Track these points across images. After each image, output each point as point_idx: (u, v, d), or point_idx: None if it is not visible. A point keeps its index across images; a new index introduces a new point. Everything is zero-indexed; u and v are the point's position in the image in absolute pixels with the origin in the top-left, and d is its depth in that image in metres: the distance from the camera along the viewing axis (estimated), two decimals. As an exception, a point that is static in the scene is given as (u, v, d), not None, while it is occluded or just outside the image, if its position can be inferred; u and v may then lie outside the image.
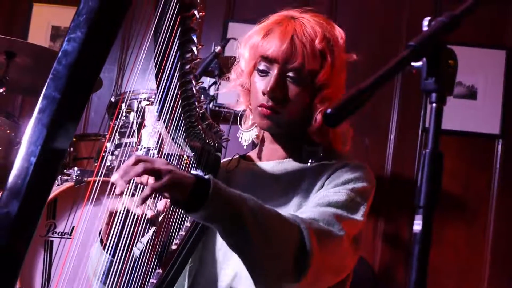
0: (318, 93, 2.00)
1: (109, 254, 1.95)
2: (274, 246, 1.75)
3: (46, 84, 1.08)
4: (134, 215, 1.85)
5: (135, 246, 1.99)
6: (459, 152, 4.85)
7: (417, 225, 1.22)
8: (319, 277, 1.85)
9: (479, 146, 4.92)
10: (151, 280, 1.94)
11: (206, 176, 1.72)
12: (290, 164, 2.10)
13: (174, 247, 2.00)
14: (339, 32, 2.07)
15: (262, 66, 2.01)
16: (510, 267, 4.79)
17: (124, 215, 1.87)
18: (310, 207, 1.92)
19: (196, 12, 1.80)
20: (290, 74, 1.98)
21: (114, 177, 1.66)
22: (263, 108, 2.00)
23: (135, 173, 1.64)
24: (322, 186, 2.00)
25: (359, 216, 1.94)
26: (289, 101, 1.99)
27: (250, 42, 2.05)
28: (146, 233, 2.02)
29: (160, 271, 1.96)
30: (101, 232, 1.98)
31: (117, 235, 1.91)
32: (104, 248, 1.96)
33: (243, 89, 2.11)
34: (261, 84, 2.01)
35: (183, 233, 2.04)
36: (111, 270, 1.92)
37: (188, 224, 2.05)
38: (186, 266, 2.01)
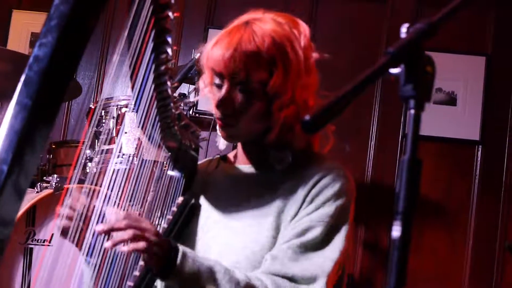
0: (274, 101, 1.97)
1: (87, 256, 1.97)
2: None
3: (18, 90, 1.07)
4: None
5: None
6: (439, 158, 4.86)
7: (396, 231, 1.22)
8: None
9: (459, 152, 4.94)
10: (134, 273, 1.94)
11: (180, 250, 1.83)
12: (265, 168, 2.09)
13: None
14: (303, 30, 2.04)
15: (216, 80, 2.01)
16: (490, 274, 4.80)
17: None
18: (292, 247, 1.92)
19: (170, 13, 1.79)
20: (239, 86, 1.96)
21: (99, 227, 1.77)
22: (218, 120, 2.02)
23: (121, 238, 1.75)
24: (304, 199, 1.98)
25: (341, 245, 1.96)
26: (241, 112, 1.98)
27: (204, 53, 2.04)
28: None
29: (142, 263, 1.96)
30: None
31: (92, 238, 1.93)
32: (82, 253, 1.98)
33: (212, 97, 2.10)
34: (216, 96, 2.01)
35: (165, 225, 2.04)
36: (94, 274, 1.94)
37: (171, 217, 2.06)
38: None
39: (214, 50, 1.98)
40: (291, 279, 1.88)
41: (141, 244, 1.74)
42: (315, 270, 1.90)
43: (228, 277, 1.84)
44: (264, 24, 1.98)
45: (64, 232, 1.99)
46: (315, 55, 2.06)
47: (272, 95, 1.96)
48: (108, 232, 1.78)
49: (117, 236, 1.76)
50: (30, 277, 3.32)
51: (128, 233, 1.75)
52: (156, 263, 1.80)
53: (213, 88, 2.04)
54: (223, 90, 1.97)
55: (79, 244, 1.98)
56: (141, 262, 1.95)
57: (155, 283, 2.01)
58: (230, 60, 1.93)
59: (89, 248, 1.95)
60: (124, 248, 1.75)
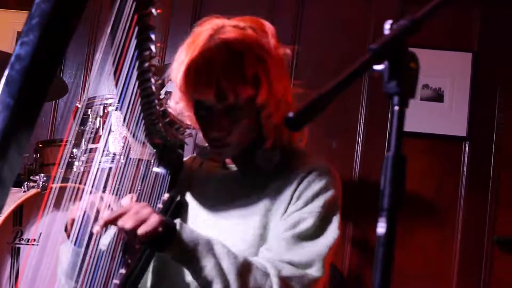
0: (262, 112, 1.96)
1: (75, 245, 1.96)
2: None
3: (0, 89, 1.07)
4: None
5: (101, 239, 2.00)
6: (426, 154, 4.86)
7: (381, 228, 1.22)
8: None
9: (447, 149, 4.94)
10: (120, 270, 1.94)
11: (177, 223, 1.85)
12: (252, 169, 2.09)
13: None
14: (268, 29, 2.00)
15: (197, 103, 1.98)
16: (478, 269, 4.82)
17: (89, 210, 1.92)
18: (286, 238, 1.94)
19: (153, 9, 1.78)
20: (227, 109, 1.93)
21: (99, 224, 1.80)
22: (212, 144, 2.02)
23: (122, 225, 1.79)
24: (292, 196, 1.99)
25: (335, 234, 1.98)
26: (233, 130, 1.96)
27: (177, 82, 1.97)
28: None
29: (129, 260, 1.96)
30: (67, 226, 1.99)
31: (82, 226, 1.93)
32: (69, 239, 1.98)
33: (185, 110, 2.06)
34: (203, 120, 1.99)
35: None
36: (78, 262, 1.94)
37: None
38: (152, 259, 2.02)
39: (190, 76, 1.93)
40: (289, 263, 1.90)
41: (145, 229, 1.77)
42: (311, 256, 1.92)
43: (226, 250, 1.86)
44: (229, 35, 1.93)
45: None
46: (285, 52, 2.03)
47: (259, 107, 1.95)
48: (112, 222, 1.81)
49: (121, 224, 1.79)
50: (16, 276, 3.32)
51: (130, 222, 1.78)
52: (155, 235, 1.80)
53: (193, 107, 2.00)
54: (209, 116, 1.96)
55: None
56: (122, 270, 1.95)
57: (144, 280, 2.02)
58: (215, 87, 1.89)
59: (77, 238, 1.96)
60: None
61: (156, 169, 2.14)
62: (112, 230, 2.03)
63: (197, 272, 1.85)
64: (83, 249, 1.95)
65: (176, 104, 2.05)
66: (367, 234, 4.90)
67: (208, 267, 1.83)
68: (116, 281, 1.93)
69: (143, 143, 2.06)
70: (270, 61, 1.95)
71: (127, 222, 1.77)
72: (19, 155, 1.08)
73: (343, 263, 4.83)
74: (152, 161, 2.16)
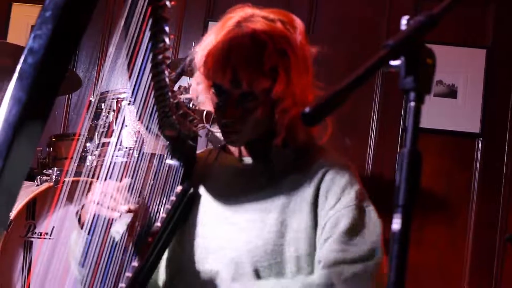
0: (277, 105, 1.96)
1: (87, 233, 1.96)
2: None
3: (12, 83, 1.06)
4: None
5: (113, 228, 2.00)
6: (439, 150, 4.85)
7: (396, 224, 1.21)
8: None
9: (460, 145, 4.93)
10: (133, 263, 1.94)
11: None
12: (266, 162, 2.08)
13: (156, 228, 2.00)
14: (298, 25, 2.01)
15: (215, 88, 1.99)
16: (490, 266, 4.80)
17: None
18: (335, 241, 1.91)
19: (167, 1, 1.77)
20: (242, 96, 1.94)
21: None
22: (223, 129, 2.01)
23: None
24: (317, 195, 1.98)
25: (376, 221, 1.97)
26: (246, 118, 1.97)
27: (198, 63, 2.00)
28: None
29: (136, 264, 1.96)
30: (79, 213, 1.99)
31: (94, 214, 1.93)
32: (82, 228, 1.97)
33: (208, 98, 2.07)
34: (218, 104, 1.99)
35: (164, 215, 2.04)
36: (89, 250, 1.94)
37: (169, 207, 2.05)
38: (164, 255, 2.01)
39: (210, 59, 1.94)
40: (345, 263, 1.88)
41: None
42: (367, 247, 1.90)
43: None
44: (257, 25, 1.94)
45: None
46: (313, 50, 2.04)
47: (275, 100, 1.95)
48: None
49: None
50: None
51: None
52: None
53: (211, 93, 2.02)
54: (224, 101, 1.96)
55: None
56: (134, 263, 1.95)
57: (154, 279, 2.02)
58: (231, 76, 1.91)
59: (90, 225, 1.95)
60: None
61: (169, 161, 2.14)
62: (125, 220, 2.03)
63: None
64: (95, 237, 1.94)
65: (197, 85, 2.07)
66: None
67: None
68: (128, 274, 1.93)
69: (157, 135, 2.06)
70: (293, 57, 1.94)
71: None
72: (31, 150, 1.08)
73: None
74: (165, 154, 2.15)
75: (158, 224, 2.01)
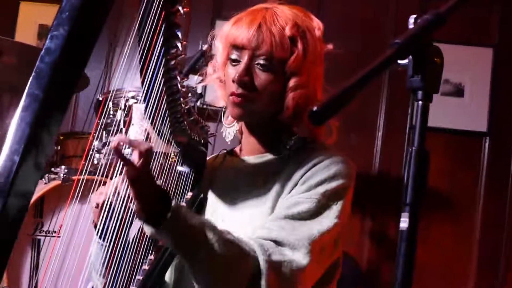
0: (290, 80, 2.00)
1: (101, 239, 1.96)
2: (227, 278, 1.82)
3: (29, 82, 1.07)
4: (123, 198, 1.87)
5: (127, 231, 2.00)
6: (446, 149, 4.85)
7: (403, 223, 1.22)
8: None
9: (466, 144, 4.93)
10: (143, 267, 1.95)
11: (172, 204, 1.75)
12: (269, 158, 2.11)
13: None
14: (316, 23, 2.08)
15: (234, 56, 2.01)
16: (497, 265, 4.80)
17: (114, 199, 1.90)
18: (279, 218, 1.92)
19: (180, 7, 1.80)
20: (260, 61, 1.98)
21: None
22: (234, 96, 2.00)
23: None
24: (297, 183, 1.99)
25: (330, 222, 1.94)
26: (259, 89, 1.99)
27: (222, 33, 2.06)
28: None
29: (152, 257, 1.96)
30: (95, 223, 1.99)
31: (107, 219, 1.92)
32: (96, 234, 1.97)
33: (220, 83, 2.11)
34: (233, 73, 2.01)
35: None
36: (105, 257, 1.94)
37: None
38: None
39: (235, 26, 2.01)
40: (276, 242, 1.87)
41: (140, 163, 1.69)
42: (299, 236, 1.88)
43: (218, 236, 1.80)
44: (282, 10, 2.02)
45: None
46: (328, 47, 2.10)
47: (289, 75, 1.99)
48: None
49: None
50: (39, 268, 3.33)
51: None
52: (148, 208, 1.73)
53: (226, 69, 2.05)
54: (243, 64, 1.98)
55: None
56: (151, 256, 1.96)
57: (165, 278, 2.02)
58: (254, 34, 1.96)
59: (103, 232, 1.94)
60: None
61: (180, 168, 2.14)
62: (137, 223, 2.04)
63: (188, 256, 1.82)
64: (105, 243, 1.94)
65: (213, 71, 2.12)
66: (386, 228, 4.89)
67: (201, 253, 1.78)
68: (139, 277, 1.94)
69: (168, 141, 2.06)
70: (311, 41, 2.02)
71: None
72: (48, 145, 1.09)
73: (361, 256, 4.82)
74: (171, 153, 2.15)
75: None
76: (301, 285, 1.90)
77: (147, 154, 1.70)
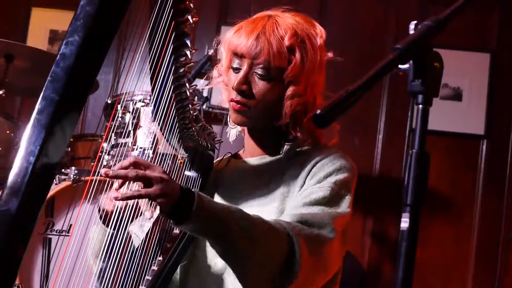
0: (288, 88, 2.01)
1: (110, 228, 1.95)
2: (261, 256, 1.80)
3: (45, 86, 1.08)
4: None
5: (132, 226, 2.00)
6: (445, 152, 4.85)
7: (404, 223, 1.22)
8: (309, 280, 1.88)
9: (465, 146, 4.93)
10: (152, 267, 1.95)
11: (193, 190, 1.75)
12: (269, 159, 2.12)
13: (175, 234, 2.01)
14: (319, 31, 2.08)
15: (235, 64, 2.03)
16: (494, 264, 4.79)
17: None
18: (298, 206, 1.94)
19: (189, 17, 1.81)
20: (258, 70, 1.99)
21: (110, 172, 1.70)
22: (233, 102, 2.02)
23: (125, 177, 1.70)
24: (305, 180, 2.00)
25: (345, 208, 1.97)
26: (257, 96, 2.01)
27: (225, 39, 2.07)
28: (146, 220, 2.03)
29: (160, 258, 1.97)
30: (100, 208, 1.99)
31: (117, 211, 1.92)
32: (104, 223, 1.97)
33: (225, 86, 2.12)
34: (234, 80, 2.02)
35: None
36: (113, 245, 1.93)
37: None
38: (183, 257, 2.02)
39: (237, 34, 2.01)
40: (302, 222, 1.88)
41: (150, 189, 1.67)
42: (322, 217, 1.90)
43: (247, 216, 1.81)
44: (283, 19, 2.02)
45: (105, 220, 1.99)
46: (328, 55, 2.10)
47: (287, 84, 2.00)
48: (113, 177, 1.73)
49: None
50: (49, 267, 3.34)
51: (131, 173, 1.68)
52: (170, 205, 1.71)
53: (229, 74, 2.06)
54: (242, 72, 2.00)
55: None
56: (159, 258, 1.96)
57: (172, 279, 2.02)
58: (253, 43, 1.97)
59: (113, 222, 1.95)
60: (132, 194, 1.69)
61: (188, 173, 2.14)
62: (146, 225, 2.04)
63: (220, 238, 1.79)
64: (115, 231, 1.94)
65: (218, 75, 2.13)
66: (386, 228, 4.89)
67: (234, 231, 1.76)
68: (148, 277, 1.94)
69: (176, 146, 2.07)
70: (310, 50, 2.02)
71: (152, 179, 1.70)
72: (63, 147, 1.10)
73: (363, 256, 4.82)
74: (179, 155, 2.16)
75: (177, 231, 2.02)
76: (330, 259, 1.92)
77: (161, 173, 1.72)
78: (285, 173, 2.05)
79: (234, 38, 2.02)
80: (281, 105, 2.02)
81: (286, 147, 2.10)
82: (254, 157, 2.15)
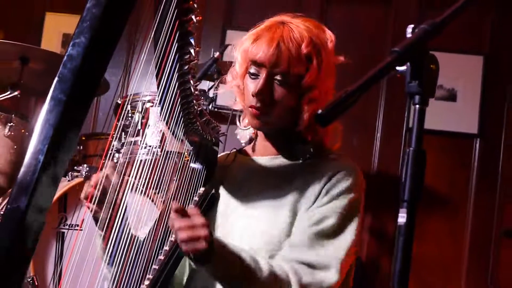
0: (305, 94, 1.99)
1: (101, 230, 1.99)
2: None
3: (53, 86, 1.07)
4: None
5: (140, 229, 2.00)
6: (440, 150, 4.84)
7: (402, 218, 1.22)
8: None
9: (459, 145, 4.92)
10: (159, 257, 1.95)
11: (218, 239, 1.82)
12: (282, 161, 2.10)
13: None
14: (329, 36, 2.06)
15: (252, 70, 2.01)
16: (487, 257, 4.78)
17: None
18: (308, 236, 1.93)
19: (193, 16, 1.80)
20: (277, 77, 1.98)
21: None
22: (253, 109, 2.00)
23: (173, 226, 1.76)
24: (320, 192, 1.98)
25: (353, 233, 1.97)
26: (277, 102, 1.99)
27: (242, 47, 2.05)
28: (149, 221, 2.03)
29: (162, 257, 1.96)
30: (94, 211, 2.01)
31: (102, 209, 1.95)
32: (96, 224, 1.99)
33: (238, 89, 2.10)
34: (252, 86, 2.01)
35: None
36: (113, 249, 1.95)
37: (193, 206, 2.05)
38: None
39: (256, 44, 1.99)
40: (309, 265, 1.89)
41: (198, 245, 1.74)
42: (329, 257, 1.91)
43: (255, 264, 1.84)
44: (297, 26, 2.00)
45: (95, 219, 2.01)
46: (339, 59, 2.09)
47: (304, 90, 1.99)
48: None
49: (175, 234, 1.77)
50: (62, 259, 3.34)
51: (184, 235, 1.74)
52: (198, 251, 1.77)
53: (245, 80, 2.05)
54: (262, 80, 1.98)
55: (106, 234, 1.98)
56: (160, 257, 1.96)
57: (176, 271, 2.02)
58: (274, 52, 1.95)
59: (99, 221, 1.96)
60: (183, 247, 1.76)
61: (193, 165, 2.14)
62: (150, 223, 2.04)
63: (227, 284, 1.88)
64: (102, 232, 1.98)
65: (232, 80, 2.12)
66: (384, 223, 4.88)
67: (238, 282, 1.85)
68: (155, 266, 1.93)
69: (181, 140, 2.07)
70: (325, 56, 2.01)
71: (182, 232, 1.75)
72: (71, 146, 1.09)
73: (361, 251, 4.81)
74: (185, 152, 2.15)
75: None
76: None
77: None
78: (296, 178, 2.04)
79: (252, 47, 2.00)
80: (298, 110, 2.01)
81: (300, 150, 2.08)
82: (265, 156, 2.14)
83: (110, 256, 1.96)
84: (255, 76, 2.01)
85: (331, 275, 1.89)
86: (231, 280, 1.85)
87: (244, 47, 2.03)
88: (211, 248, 1.76)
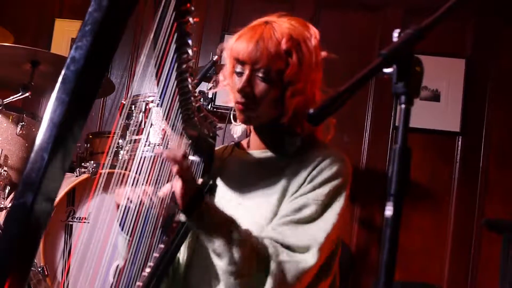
0: (288, 88, 1.98)
1: (121, 229, 1.99)
2: (252, 259, 1.83)
3: (57, 87, 1.06)
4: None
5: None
6: (424, 147, 4.85)
7: (389, 211, 1.21)
8: None
9: (442, 142, 4.92)
10: (160, 245, 1.95)
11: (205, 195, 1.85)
12: (270, 154, 2.11)
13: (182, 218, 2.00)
14: (313, 32, 2.04)
15: (238, 69, 2.01)
16: (468, 247, 4.79)
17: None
18: (290, 222, 1.91)
19: (190, 18, 1.80)
20: (259, 74, 1.97)
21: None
22: (239, 104, 2.00)
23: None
24: (305, 179, 1.97)
25: (334, 217, 1.94)
26: (260, 97, 1.98)
27: (227, 46, 2.05)
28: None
29: (162, 246, 1.96)
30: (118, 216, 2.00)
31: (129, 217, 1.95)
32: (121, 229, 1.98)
33: (230, 87, 2.10)
34: (237, 83, 2.00)
35: None
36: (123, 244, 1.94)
37: None
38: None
39: (238, 42, 1.99)
40: (288, 247, 1.87)
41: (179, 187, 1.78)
42: (308, 240, 1.88)
43: (241, 235, 1.83)
44: (280, 24, 1.99)
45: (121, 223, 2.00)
46: (323, 53, 2.07)
47: (287, 84, 1.97)
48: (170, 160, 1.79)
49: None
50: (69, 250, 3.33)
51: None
52: (186, 200, 1.80)
53: (233, 78, 2.04)
54: (244, 77, 1.98)
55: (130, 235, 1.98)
56: (161, 245, 1.95)
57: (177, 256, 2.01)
58: (253, 50, 1.95)
59: (124, 222, 1.96)
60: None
61: (191, 157, 2.14)
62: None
63: (210, 242, 1.83)
64: (128, 237, 1.98)
65: (223, 79, 2.11)
66: (372, 215, 4.88)
67: (220, 243, 1.81)
68: (156, 254, 1.93)
69: (181, 134, 2.06)
70: (306, 50, 1.99)
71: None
72: (73, 144, 1.08)
73: (351, 241, 4.82)
74: (187, 150, 2.15)
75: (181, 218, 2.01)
76: (304, 282, 1.89)
77: (184, 157, 1.79)
78: (287, 168, 2.03)
79: (235, 45, 2.00)
80: (282, 103, 1.99)
81: (288, 142, 2.07)
82: (258, 150, 2.14)
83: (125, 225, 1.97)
84: (240, 74, 2.01)
85: (309, 258, 1.86)
86: (214, 230, 1.81)
87: (229, 46, 2.04)
88: (200, 193, 1.82)
